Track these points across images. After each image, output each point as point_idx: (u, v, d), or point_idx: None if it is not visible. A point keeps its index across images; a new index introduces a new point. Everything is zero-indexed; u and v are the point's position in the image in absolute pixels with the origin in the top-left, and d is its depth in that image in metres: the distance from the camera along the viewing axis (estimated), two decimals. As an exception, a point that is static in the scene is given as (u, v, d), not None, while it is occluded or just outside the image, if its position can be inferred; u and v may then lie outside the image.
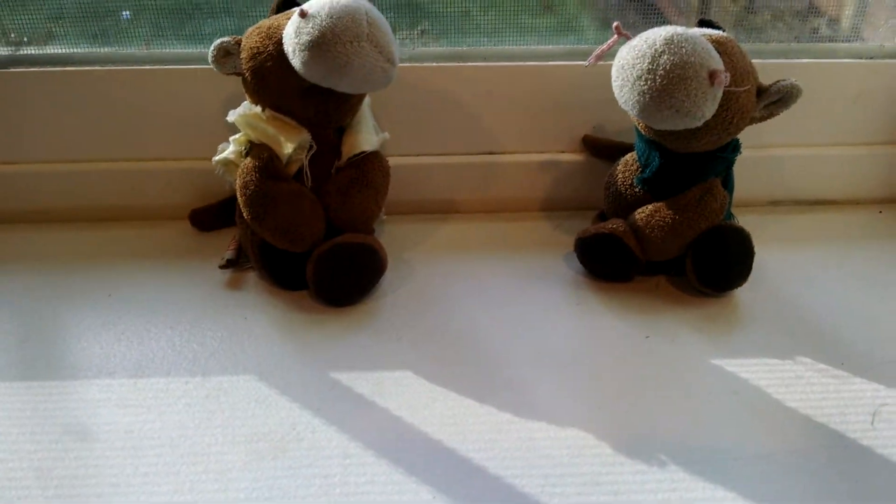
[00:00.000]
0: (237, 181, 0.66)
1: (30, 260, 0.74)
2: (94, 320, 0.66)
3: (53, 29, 0.73)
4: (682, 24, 0.60)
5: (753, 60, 0.63)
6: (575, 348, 0.63)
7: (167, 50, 0.76)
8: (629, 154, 0.70)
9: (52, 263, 0.73)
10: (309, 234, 0.66)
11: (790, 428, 0.55)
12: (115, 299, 0.68)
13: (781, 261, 0.74)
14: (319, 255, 0.65)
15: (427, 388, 0.58)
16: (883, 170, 0.83)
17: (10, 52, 0.75)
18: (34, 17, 0.73)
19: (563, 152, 0.80)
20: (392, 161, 0.71)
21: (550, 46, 0.78)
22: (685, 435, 0.54)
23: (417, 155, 0.79)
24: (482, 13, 0.77)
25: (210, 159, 0.70)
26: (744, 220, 0.71)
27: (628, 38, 0.59)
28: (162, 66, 0.73)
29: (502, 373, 0.60)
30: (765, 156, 0.80)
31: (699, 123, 0.58)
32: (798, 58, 0.78)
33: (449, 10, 0.76)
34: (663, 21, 0.77)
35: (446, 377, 0.59)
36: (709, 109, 0.57)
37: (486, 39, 0.77)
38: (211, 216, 0.77)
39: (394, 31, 0.62)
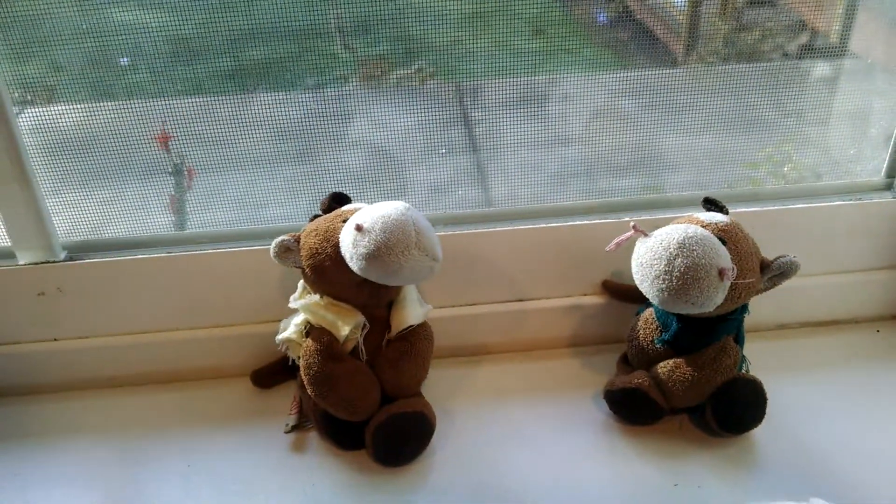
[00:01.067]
0: (301, 360, 0.73)
1: (111, 427, 0.81)
2: (170, 490, 0.73)
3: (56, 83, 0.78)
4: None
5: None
6: (609, 498, 0.70)
7: (225, 228, 0.85)
8: (648, 311, 0.78)
9: (130, 429, 0.81)
10: (366, 406, 0.73)
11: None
12: (192, 470, 0.76)
13: (791, 389, 0.82)
14: (377, 426, 0.73)
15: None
16: (876, 291, 0.90)
17: (86, 239, 0.83)
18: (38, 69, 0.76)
19: (585, 295, 0.88)
20: (432, 313, 0.79)
21: (568, 202, 0.87)
22: None
23: (453, 306, 0.87)
24: (473, 41, 0.81)
25: (268, 322, 0.79)
26: (754, 345, 0.79)
27: (644, 235, 0.68)
28: (222, 250, 0.82)
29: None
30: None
31: (711, 310, 0.66)
32: (794, 201, 0.86)
33: (441, 40, 0.79)
34: (654, 40, 0.83)
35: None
36: (719, 299, 0.65)
37: (479, 66, 0.82)
38: (271, 375, 0.85)
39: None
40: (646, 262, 0.66)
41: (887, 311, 0.92)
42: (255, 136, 0.83)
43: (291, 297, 0.76)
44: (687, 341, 0.74)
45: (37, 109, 0.79)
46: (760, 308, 0.86)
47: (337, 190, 0.76)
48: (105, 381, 0.86)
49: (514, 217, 0.87)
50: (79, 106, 0.81)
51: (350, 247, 0.67)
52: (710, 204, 0.74)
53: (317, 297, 0.74)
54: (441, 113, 0.84)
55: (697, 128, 0.87)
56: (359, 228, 0.67)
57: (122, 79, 0.78)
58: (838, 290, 0.90)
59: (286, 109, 0.82)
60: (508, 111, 0.84)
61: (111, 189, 0.85)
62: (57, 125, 0.79)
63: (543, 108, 0.86)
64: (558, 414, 0.81)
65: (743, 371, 0.77)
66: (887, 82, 0.87)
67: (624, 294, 0.85)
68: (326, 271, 0.71)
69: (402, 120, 0.83)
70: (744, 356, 0.77)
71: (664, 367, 0.75)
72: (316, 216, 0.76)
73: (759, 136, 0.91)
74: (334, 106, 0.82)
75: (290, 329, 0.76)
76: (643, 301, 0.81)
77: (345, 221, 0.70)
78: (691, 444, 0.76)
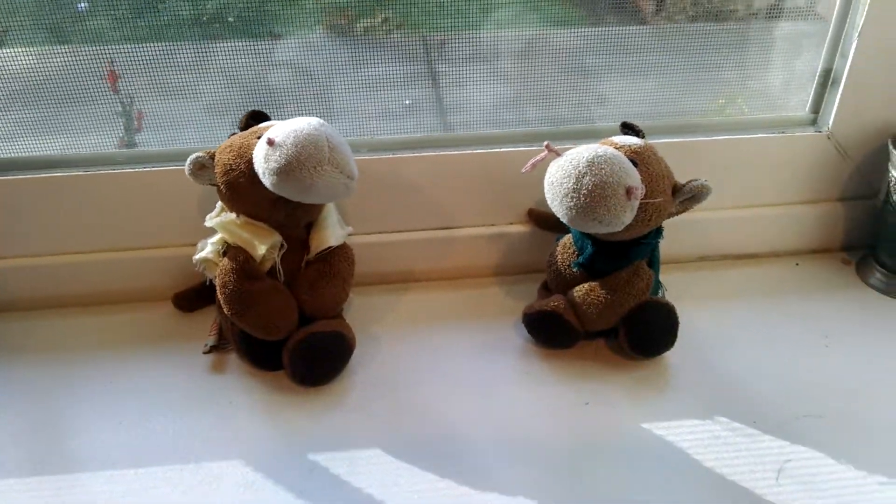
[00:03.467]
0: (217, 279, 0.73)
1: (35, 349, 0.81)
2: (95, 410, 0.73)
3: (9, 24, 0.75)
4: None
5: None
6: (525, 418, 0.72)
7: (146, 149, 0.83)
8: (566, 237, 0.79)
9: (54, 352, 0.80)
10: (284, 326, 0.74)
11: (703, 487, 0.65)
12: (113, 390, 0.75)
13: (708, 318, 0.84)
14: (294, 345, 0.73)
15: (394, 466, 0.67)
16: (795, 226, 0.92)
17: (12, 156, 0.81)
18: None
19: (511, 224, 0.88)
20: (358, 239, 0.79)
21: (496, 131, 0.87)
22: (618, 500, 0.63)
23: (380, 233, 0.87)
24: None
25: (189, 245, 0.78)
26: (675, 276, 0.82)
27: (558, 155, 0.68)
28: (141, 168, 0.80)
29: (461, 447, 0.68)
30: (693, 218, 0.89)
31: (620, 229, 0.67)
32: (718, 133, 0.87)
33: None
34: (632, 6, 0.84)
35: (411, 453, 0.68)
36: (627, 218, 0.66)
37: (450, 19, 0.80)
38: (192, 299, 0.85)
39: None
40: (556, 181, 0.67)
41: (807, 245, 0.94)
42: (212, 86, 0.81)
43: (207, 216, 0.75)
44: (601, 265, 0.75)
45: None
46: (682, 239, 0.88)
47: (256, 108, 0.75)
48: (25, 303, 0.85)
49: (443, 144, 0.86)
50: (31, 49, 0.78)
51: (262, 161, 0.67)
52: (628, 128, 0.74)
53: (233, 215, 0.73)
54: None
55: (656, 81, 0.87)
56: (270, 143, 0.66)
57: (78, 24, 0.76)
58: (759, 223, 0.92)
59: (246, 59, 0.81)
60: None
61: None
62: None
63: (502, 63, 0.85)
64: (480, 340, 0.82)
65: (659, 297, 0.78)
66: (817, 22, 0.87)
67: (548, 222, 0.86)
68: (240, 188, 0.70)
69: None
70: (659, 281, 0.79)
71: (579, 290, 0.76)
72: (233, 134, 0.75)
73: (711, 90, 0.90)
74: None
75: (207, 248, 0.75)
76: (563, 229, 0.82)
77: (259, 137, 0.69)
78: (605, 366, 0.78)
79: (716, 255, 0.93)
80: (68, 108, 0.80)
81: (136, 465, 0.67)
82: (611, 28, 0.84)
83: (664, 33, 0.88)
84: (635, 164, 0.68)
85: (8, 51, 0.77)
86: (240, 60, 0.80)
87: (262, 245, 0.72)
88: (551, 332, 0.77)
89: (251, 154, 0.69)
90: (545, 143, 0.68)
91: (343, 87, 0.83)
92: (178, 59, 0.79)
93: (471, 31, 0.83)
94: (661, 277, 0.80)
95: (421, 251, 0.88)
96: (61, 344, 0.82)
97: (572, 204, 0.65)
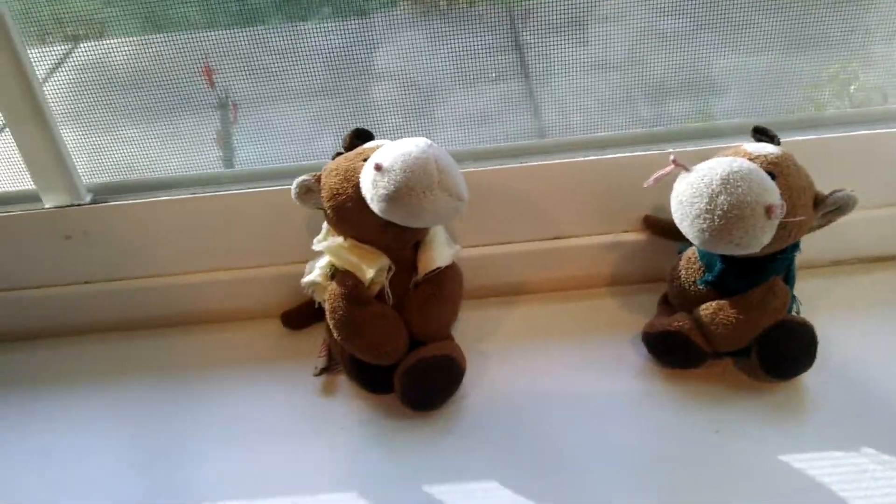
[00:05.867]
0: (326, 304, 0.71)
1: (145, 368, 0.82)
2: (205, 434, 0.73)
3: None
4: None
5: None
6: (647, 446, 0.68)
7: (251, 168, 0.82)
8: (690, 249, 0.73)
9: (163, 370, 0.81)
10: (394, 351, 0.71)
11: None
12: (222, 412, 0.75)
13: (848, 331, 0.77)
14: (405, 371, 0.71)
15: (512, 500, 0.64)
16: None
17: (110, 180, 0.82)
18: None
19: (625, 232, 0.83)
20: (465, 252, 0.76)
21: (607, 134, 0.81)
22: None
23: (487, 245, 0.83)
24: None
25: (296, 263, 0.78)
26: (806, 283, 0.75)
27: (685, 170, 0.62)
28: (248, 190, 0.79)
29: (579, 477, 0.65)
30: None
31: (757, 250, 0.61)
32: (857, 128, 0.79)
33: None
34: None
35: (529, 485, 0.65)
36: (766, 239, 0.60)
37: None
38: (300, 317, 0.84)
39: None
40: (685, 200, 0.61)
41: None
42: (295, 68, 0.79)
43: (315, 239, 0.73)
44: (732, 282, 0.69)
45: (79, 45, 0.77)
46: (813, 243, 0.80)
47: (359, 126, 0.73)
48: (135, 324, 0.86)
49: (550, 150, 0.82)
50: (125, 40, 0.78)
51: (370, 187, 0.64)
52: (761, 133, 0.68)
53: (340, 238, 0.71)
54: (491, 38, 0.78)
55: (753, 48, 0.80)
56: (378, 168, 0.63)
57: (168, 11, 0.75)
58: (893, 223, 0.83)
59: (327, 40, 0.78)
60: (553, 35, 0.78)
61: (137, 129, 0.83)
62: (107, 62, 0.78)
63: (585, 31, 0.79)
64: (595, 357, 0.78)
65: (793, 313, 0.72)
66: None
67: (666, 230, 0.80)
68: (348, 213, 0.68)
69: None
70: (794, 297, 0.72)
71: (707, 309, 0.70)
72: (338, 154, 0.72)
73: (822, 55, 0.83)
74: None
75: (315, 272, 0.74)
76: (682, 237, 0.77)
77: (366, 160, 0.67)
78: (735, 389, 0.72)
79: (851, 259, 0.86)
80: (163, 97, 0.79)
81: (252, 497, 0.67)
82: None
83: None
84: (773, 177, 0.62)
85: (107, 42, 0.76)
86: (333, 40, 0.77)
87: (371, 269, 0.70)
88: (676, 352, 0.72)
89: (358, 178, 0.67)
90: (671, 157, 0.63)
91: (442, 90, 0.80)
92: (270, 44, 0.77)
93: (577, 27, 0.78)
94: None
95: (530, 263, 0.85)
96: (168, 364, 0.82)
97: (705, 226, 0.60)
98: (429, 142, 0.65)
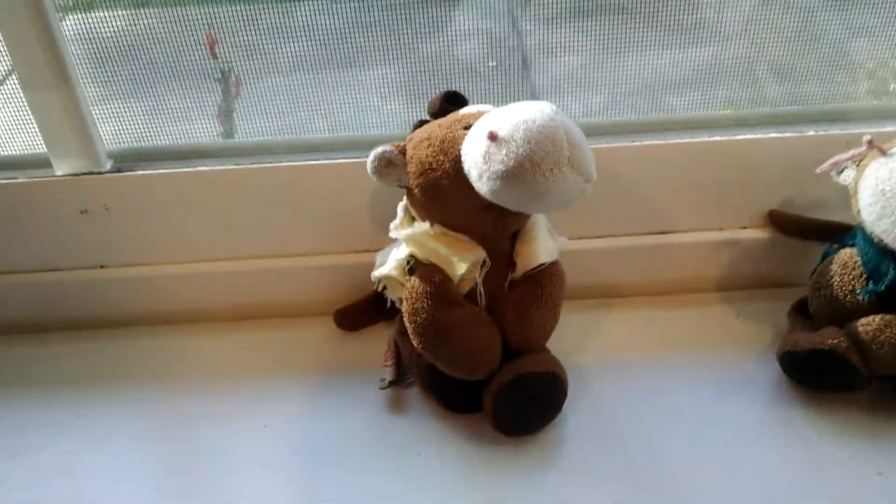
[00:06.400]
0: (404, 304, 0.59)
1: (170, 374, 0.69)
2: (248, 453, 0.61)
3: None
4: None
5: None
6: (787, 487, 0.56)
7: (302, 136, 0.69)
8: (846, 252, 0.61)
9: (199, 375, 0.69)
10: (488, 363, 0.59)
11: None
12: (269, 431, 0.62)
13: None
14: (501, 388, 0.58)
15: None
16: None
17: (136, 146, 0.69)
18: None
19: (744, 228, 0.72)
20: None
21: (722, 112, 0.69)
22: None
23: (579, 238, 0.71)
24: None
25: (353, 252, 0.68)
26: None
27: (883, 154, 0.50)
28: (300, 163, 0.67)
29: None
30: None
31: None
32: None
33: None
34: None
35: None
36: None
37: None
38: (357, 316, 0.72)
39: None
40: (890, 191, 0.49)
41: None
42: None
43: (392, 225, 0.61)
44: (907, 294, 0.57)
45: (80, 15, 0.66)
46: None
47: (451, 88, 0.60)
48: (160, 317, 0.74)
49: (657, 129, 0.71)
50: (122, 13, 0.67)
51: (481, 161, 0.51)
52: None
53: (426, 225, 0.58)
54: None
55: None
56: (493, 137, 0.50)
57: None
58: None
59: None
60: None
61: (155, 97, 0.71)
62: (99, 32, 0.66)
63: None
64: (714, 376, 0.66)
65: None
66: None
67: (796, 228, 0.70)
68: (442, 192, 0.55)
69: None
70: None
71: (868, 323, 0.58)
72: (423, 122, 0.60)
73: None
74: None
75: (390, 264, 0.61)
76: (820, 237, 0.67)
77: (467, 128, 0.54)
78: (897, 421, 0.60)
79: None
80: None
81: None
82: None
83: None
84: None
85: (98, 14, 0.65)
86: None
87: (463, 263, 0.57)
88: (825, 374, 0.60)
89: (458, 150, 0.54)
90: (866, 138, 0.50)
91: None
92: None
93: None
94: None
95: (630, 261, 0.73)
96: (199, 369, 0.70)
97: (924, 224, 0.47)
98: (554, 107, 0.52)
